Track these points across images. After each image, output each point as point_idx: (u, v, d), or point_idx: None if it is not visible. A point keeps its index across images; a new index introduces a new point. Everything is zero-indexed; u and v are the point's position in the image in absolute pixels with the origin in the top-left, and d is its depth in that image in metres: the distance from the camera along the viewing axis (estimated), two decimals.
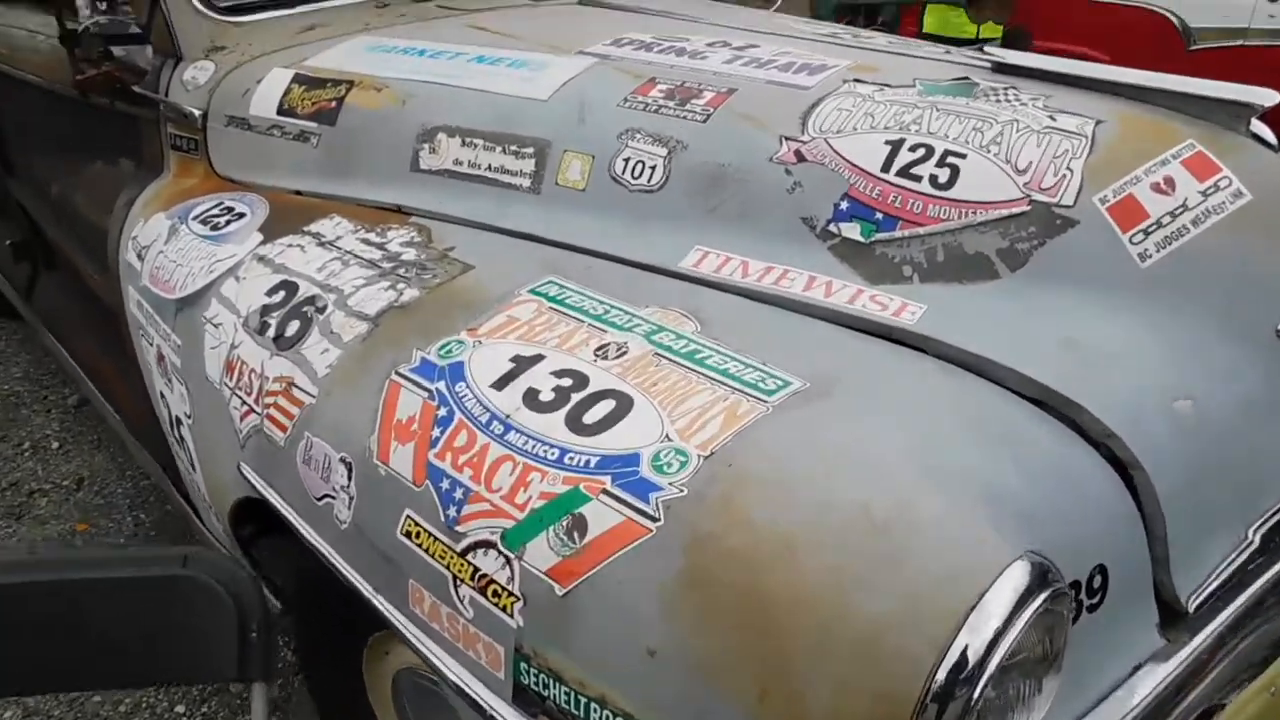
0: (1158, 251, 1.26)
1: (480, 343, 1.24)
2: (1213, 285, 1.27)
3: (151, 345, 1.73)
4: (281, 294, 1.47)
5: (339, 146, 1.73)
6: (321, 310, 1.40)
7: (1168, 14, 5.28)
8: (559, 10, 2.13)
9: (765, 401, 1.07)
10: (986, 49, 1.61)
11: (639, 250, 1.41)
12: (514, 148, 1.57)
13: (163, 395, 1.74)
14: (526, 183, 1.55)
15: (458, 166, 1.61)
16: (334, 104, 1.75)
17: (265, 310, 1.46)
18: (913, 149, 1.34)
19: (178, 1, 1.95)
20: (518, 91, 1.62)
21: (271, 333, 1.42)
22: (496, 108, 1.61)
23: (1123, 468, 1.13)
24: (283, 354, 1.39)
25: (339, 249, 1.52)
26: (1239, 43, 5.18)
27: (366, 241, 1.53)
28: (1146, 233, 1.26)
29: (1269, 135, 1.35)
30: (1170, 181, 1.28)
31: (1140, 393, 1.18)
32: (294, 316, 1.42)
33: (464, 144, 1.61)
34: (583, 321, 1.25)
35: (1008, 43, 3.10)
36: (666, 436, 1.04)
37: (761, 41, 1.72)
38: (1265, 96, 1.30)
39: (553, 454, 1.07)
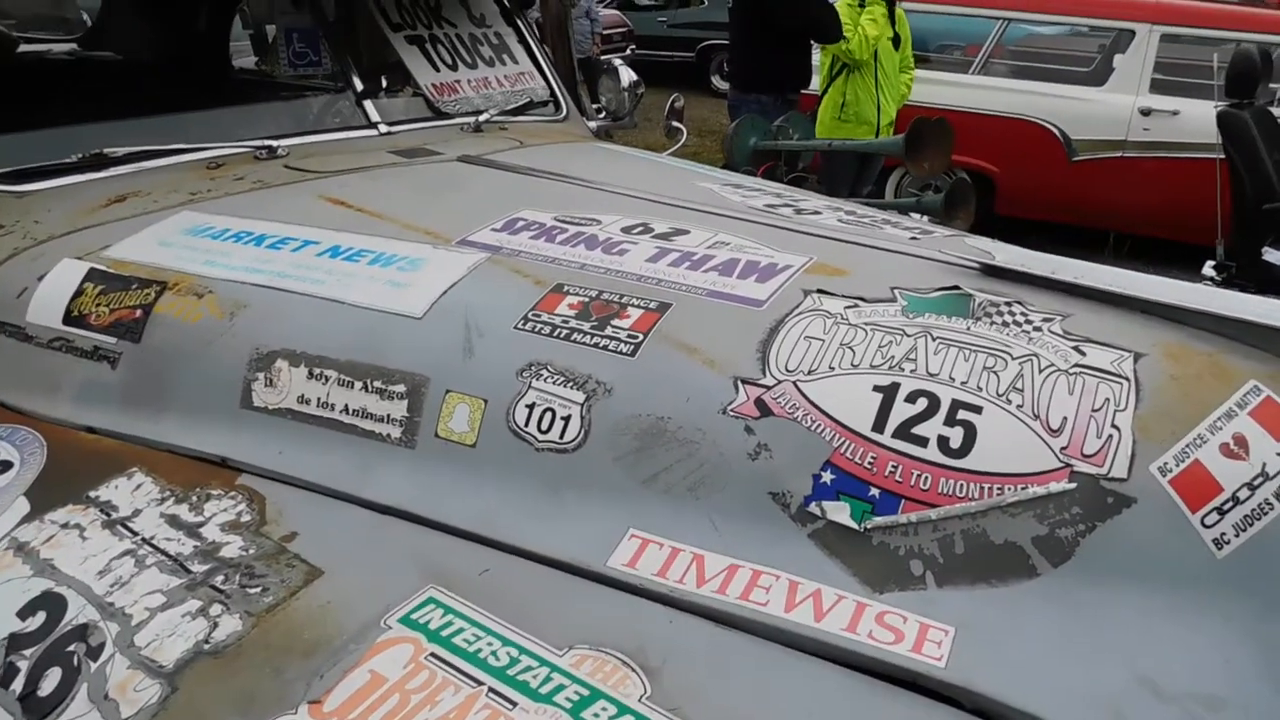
0: (1236, 536, 0.97)
1: None
2: None
3: None
4: (41, 617, 1.02)
5: (146, 371, 1.31)
6: (95, 653, 0.97)
7: (1050, 126, 5.34)
8: (435, 172, 1.77)
9: None
10: (968, 240, 1.32)
11: (553, 537, 1.04)
12: (379, 384, 1.18)
13: None
14: (396, 433, 1.16)
15: (303, 406, 1.21)
16: (139, 313, 1.33)
17: (15, 644, 1.01)
18: (910, 398, 1.02)
19: None
20: (384, 304, 1.24)
21: (19, 684, 0.98)
22: (356, 327, 1.23)
23: None
24: None
25: (134, 535, 1.10)
26: (1118, 154, 5.28)
27: (174, 521, 1.11)
28: (1221, 511, 0.97)
29: None
30: (1242, 441, 0.99)
31: None
32: (54, 660, 0.98)
33: (312, 376, 1.21)
34: (480, 684, 0.86)
35: (951, 199, 2.93)
36: None
37: (690, 223, 1.40)
38: None
39: None
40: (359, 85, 1.98)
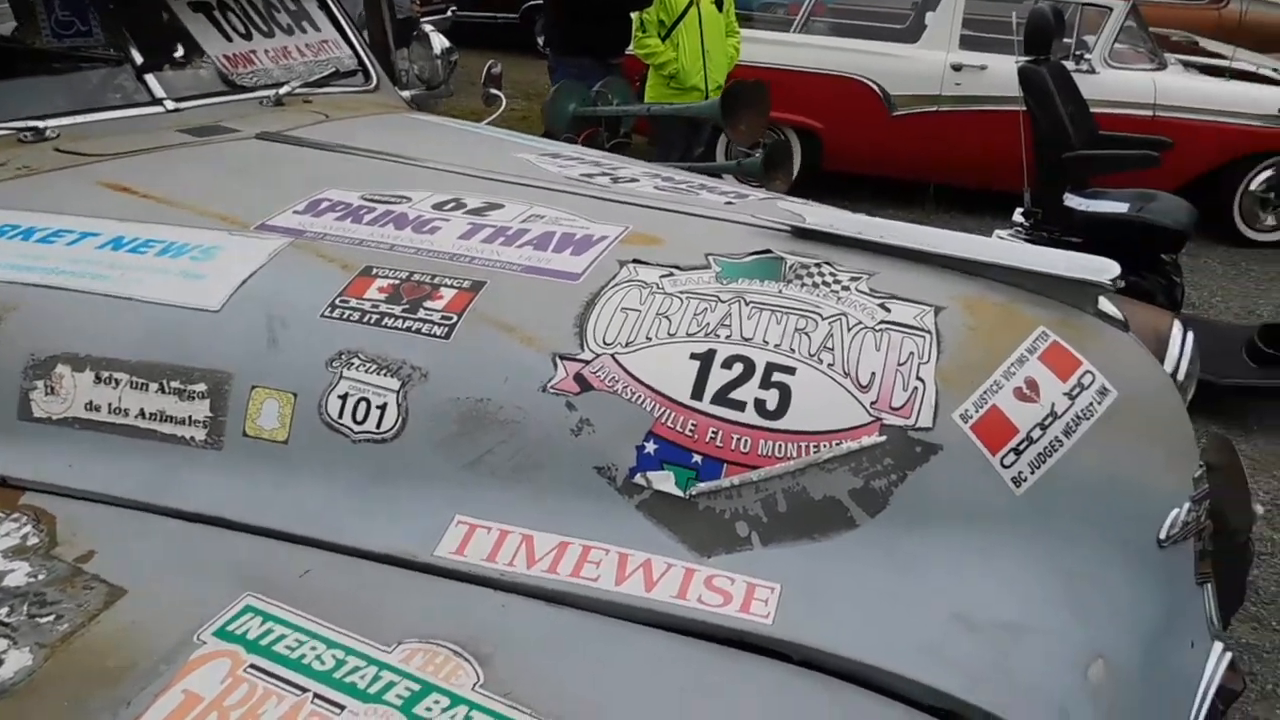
0: (1032, 473, 1.03)
1: None
2: (1093, 502, 1.06)
3: None
4: None
5: None
6: None
7: (871, 83, 5.53)
8: (230, 151, 1.65)
9: None
10: (781, 204, 1.35)
11: (376, 531, 1.00)
12: (177, 384, 1.10)
13: None
14: (200, 435, 1.09)
15: (92, 414, 1.11)
16: None
17: None
18: (727, 364, 1.03)
19: None
20: (176, 298, 1.16)
21: None
22: (147, 325, 1.14)
23: None
24: None
25: None
26: (933, 109, 5.52)
27: None
28: (1018, 451, 1.03)
29: (1115, 312, 1.17)
30: (1033, 384, 1.06)
31: (1055, 672, 0.93)
32: None
33: (100, 380, 1.12)
34: (305, 691, 0.82)
35: (770, 161, 2.98)
36: None
37: (504, 197, 1.37)
38: (1107, 270, 1.12)
39: None
40: (139, 58, 1.82)
